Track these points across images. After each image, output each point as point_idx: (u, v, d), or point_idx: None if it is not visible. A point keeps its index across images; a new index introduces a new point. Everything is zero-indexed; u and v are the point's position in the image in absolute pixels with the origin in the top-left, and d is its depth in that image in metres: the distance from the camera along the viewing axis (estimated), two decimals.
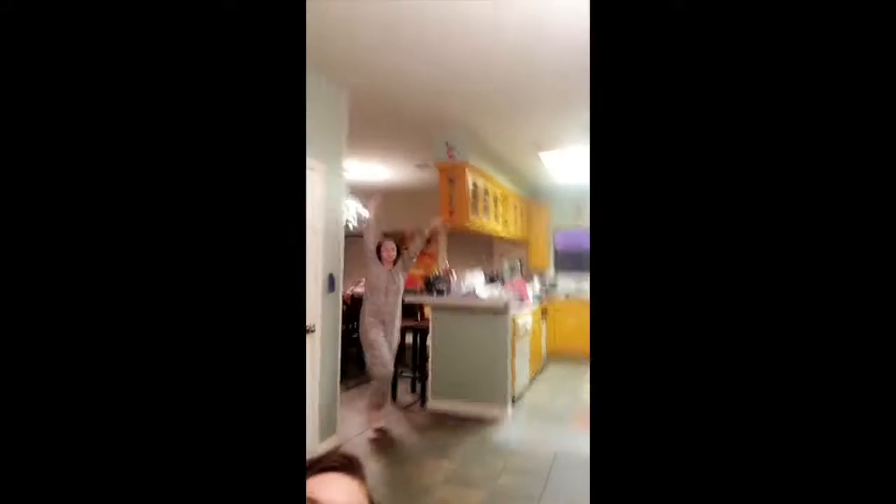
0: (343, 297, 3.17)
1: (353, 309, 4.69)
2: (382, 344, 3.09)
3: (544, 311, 5.09)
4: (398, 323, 3.27)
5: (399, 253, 3.25)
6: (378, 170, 5.23)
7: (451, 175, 3.70)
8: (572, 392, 4.15)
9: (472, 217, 3.74)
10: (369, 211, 3.20)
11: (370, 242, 3.15)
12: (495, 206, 4.39)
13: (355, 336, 4.85)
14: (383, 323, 3.15)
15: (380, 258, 3.17)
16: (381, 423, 3.12)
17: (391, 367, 3.12)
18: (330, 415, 2.89)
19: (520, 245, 6.06)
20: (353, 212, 5.27)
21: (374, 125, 3.65)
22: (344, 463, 0.64)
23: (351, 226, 5.20)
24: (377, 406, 3.12)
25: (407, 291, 3.87)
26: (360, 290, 4.94)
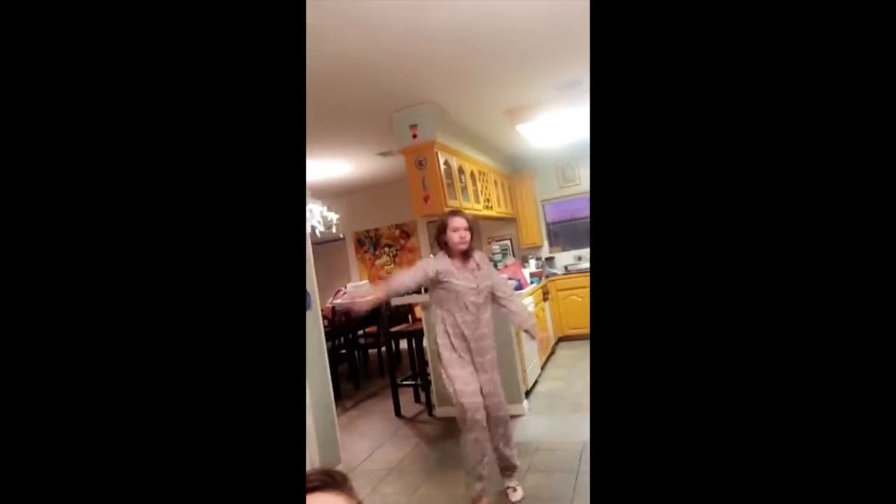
0: (322, 311, 3.13)
1: (333, 323, 4.68)
2: (470, 382, 2.14)
3: (545, 292, 5.14)
4: (492, 349, 2.23)
5: (472, 234, 2.22)
6: (338, 166, 5.17)
7: (418, 157, 3.66)
8: (588, 374, 4.19)
9: (449, 201, 3.73)
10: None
11: (423, 273, 2.17)
12: (474, 184, 4.38)
13: (343, 351, 4.89)
14: (469, 351, 2.17)
15: (446, 250, 2.20)
16: None
17: (482, 418, 2.14)
18: (330, 445, 2.85)
19: (508, 223, 6.09)
20: (318, 216, 5.22)
21: (325, 117, 3.60)
22: (326, 481, 0.64)
23: (318, 231, 5.16)
24: (478, 496, 2.20)
25: None
26: (338, 300, 4.92)
